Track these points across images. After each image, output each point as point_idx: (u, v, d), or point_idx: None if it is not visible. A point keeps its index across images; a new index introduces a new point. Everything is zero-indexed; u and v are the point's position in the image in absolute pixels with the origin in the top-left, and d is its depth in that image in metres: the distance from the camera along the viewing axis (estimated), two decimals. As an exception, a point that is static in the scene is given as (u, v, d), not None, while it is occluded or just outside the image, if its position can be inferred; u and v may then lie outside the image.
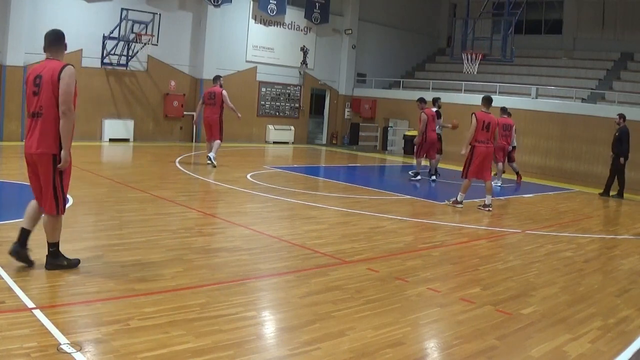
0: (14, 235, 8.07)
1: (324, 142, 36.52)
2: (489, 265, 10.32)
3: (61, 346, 5.59)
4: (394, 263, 9.88)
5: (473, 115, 15.70)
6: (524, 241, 12.64)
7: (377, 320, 7.04)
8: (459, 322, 7.25)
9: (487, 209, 15.49)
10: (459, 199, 15.61)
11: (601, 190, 21.33)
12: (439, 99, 22.35)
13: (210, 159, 20.65)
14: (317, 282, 8.44)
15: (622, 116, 20.83)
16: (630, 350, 3.20)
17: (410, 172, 22.09)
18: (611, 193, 20.98)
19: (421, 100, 21.31)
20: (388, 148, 35.26)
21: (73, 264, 8.09)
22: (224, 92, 20.83)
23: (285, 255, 9.98)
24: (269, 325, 6.95)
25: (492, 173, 19.66)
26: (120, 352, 5.62)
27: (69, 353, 5.48)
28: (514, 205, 15.73)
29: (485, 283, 9.15)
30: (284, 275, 8.84)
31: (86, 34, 25.16)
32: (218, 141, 20.96)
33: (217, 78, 21.49)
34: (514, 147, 22.78)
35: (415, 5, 39.88)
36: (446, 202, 15.95)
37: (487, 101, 15.91)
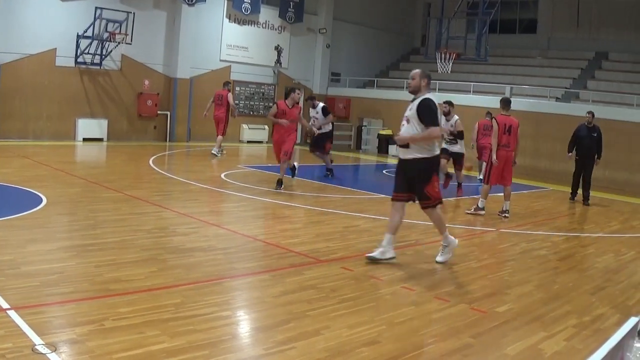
0: None
1: (298, 141, 36.39)
2: (464, 263, 10.36)
3: (36, 347, 5.57)
4: (368, 262, 9.90)
5: (494, 119, 16.05)
6: (498, 240, 12.71)
7: (352, 319, 7.06)
8: (434, 321, 7.29)
9: (504, 214, 15.41)
10: (480, 205, 15.45)
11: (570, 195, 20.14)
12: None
13: (218, 152, 24.64)
14: (292, 282, 8.45)
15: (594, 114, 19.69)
16: (605, 348, 3.21)
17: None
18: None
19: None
20: (362, 147, 35.30)
21: None
22: (230, 94, 24.78)
23: (260, 254, 9.99)
24: (244, 325, 6.96)
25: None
26: (95, 352, 5.60)
27: (44, 354, 5.46)
28: (487, 203, 15.76)
29: (460, 281, 9.19)
30: (259, 274, 8.84)
31: (60, 33, 25.02)
32: (220, 137, 24.78)
33: (226, 83, 25.37)
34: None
35: (389, 5, 39.85)
36: (466, 211, 15.68)
37: (506, 103, 16.18)
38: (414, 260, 10.35)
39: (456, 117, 18.91)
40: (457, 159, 18.86)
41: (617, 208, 19.04)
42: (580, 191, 19.62)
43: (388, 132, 33.13)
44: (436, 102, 9.92)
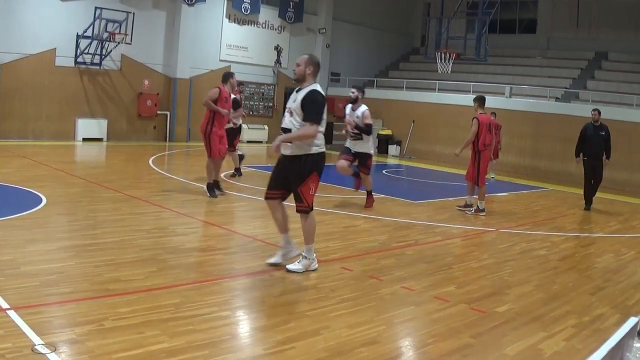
0: None
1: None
2: (463, 263, 10.36)
3: (36, 347, 5.56)
4: (368, 262, 9.91)
5: (475, 119, 15.66)
6: (498, 240, 12.69)
7: (351, 319, 7.05)
8: (434, 321, 7.27)
9: (482, 213, 15.43)
10: (480, 207, 15.48)
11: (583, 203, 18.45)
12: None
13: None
14: (292, 282, 8.45)
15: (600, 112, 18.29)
16: (605, 348, 3.21)
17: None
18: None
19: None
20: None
21: None
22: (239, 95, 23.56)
23: (260, 254, 9.96)
24: (244, 325, 6.96)
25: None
26: (94, 352, 5.60)
27: (44, 354, 5.46)
28: (488, 203, 15.76)
29: (460, 281, 9.18)
30: (259, 274, 8.83)
31: (60, 33, 25.03)
32: None
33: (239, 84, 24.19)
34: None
35: (389, 5, 39.86)
36: (469, 213, 15.56)
37: (482, 101, 16.04)
38: (413, 261, 10.33)
39: (364, 107, 16.15)
40: (362, 160, 15.64)
41: (617, 208, 19.02)
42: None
43: (388, 132, 33.16)
44: (323, 94, 8.92)
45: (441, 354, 6.31)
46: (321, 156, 8.88)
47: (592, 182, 18.25)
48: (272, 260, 9.23)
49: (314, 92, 8.65)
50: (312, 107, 8.60)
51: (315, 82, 8.93)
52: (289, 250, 9.29)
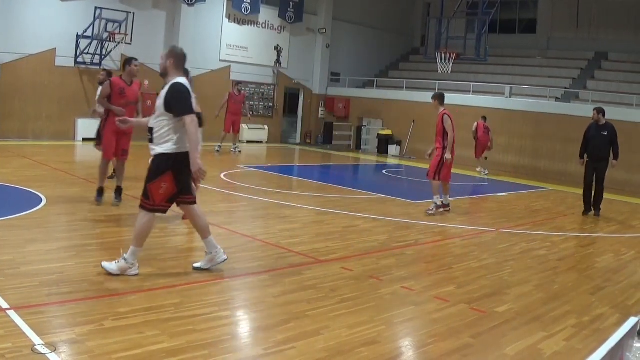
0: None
1: (298, 141, 36.49)
2: (463, 263, 10.35)
3: (36, 347, 5.57)
4: (368, 262, 9.90)
5: (448, 117, 15.31)
6: (498, 240, 12.68)
7: (351, 319, 7.05)
8: (434, 321, 7.27)
9: (447, 209, 15.35)
10: (444, 202, 15.32)
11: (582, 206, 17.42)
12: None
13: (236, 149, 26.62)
14: (292, 282, 8.44)
15: (602, 111, 17.28)
16: (605, 348, 3.21)
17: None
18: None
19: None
20: (362, 147, 35.28)
21: None
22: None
23: (260, 254, 9.98)
24: (244, 325, 6.96)
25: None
26: (94, 352, 5.60)
27: (44, 354, 5.46)
28: (487, 203, 15.77)
29: (460, 281, 9.18)
30: (258, 274, 8.83)
31: (60, 33, 25.05)
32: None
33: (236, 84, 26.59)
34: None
35: (389, 5, 39.87)
36: (428, 212, 15.03)
37: (443, 98, 15.92)
38: (413, 260, 10.34)
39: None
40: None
41: (616, 208, 19.01)
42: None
43: (388, 132, 33.16)
44: (187, 86, 8.25)
45: (441, 354, 6.31)
46: (181, 157, 8.25)
47: (592, 185, 17.10)
48: (197, 264, 8.75)
49: (174, 85, 8.11)
50: (177, 99, 8.08)
51: (179, 76, 8.36)
52: (215, 255, 8.65)
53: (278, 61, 34.42)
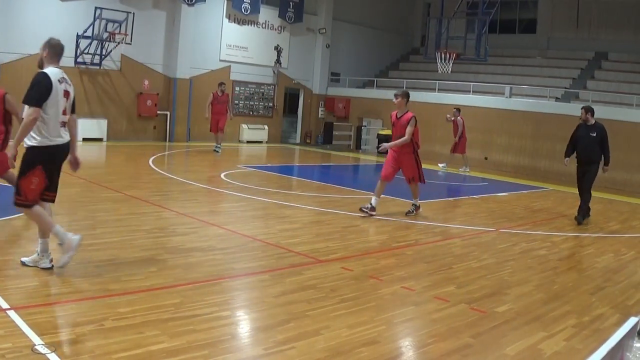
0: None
1: (298, 141, 36.48)
2: (463, 263, 10.35)
3: (36, 347, 5.58)
4: (368, 262, 9.90)
5: (413, 118, 14.12)
6: (498, 240, 12.68)
7: (351, 319, 7.05)
8: (434, 321, 7.27)
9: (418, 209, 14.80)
10: (373, 204, 14.14)
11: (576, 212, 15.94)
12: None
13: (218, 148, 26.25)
14: (292, 282, 8.44)
15: (590, 110, 15.94)
16: (605, 348, 3.21)
17: None
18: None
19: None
20: (362, 147, 35.27)
21: None
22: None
23: (260, 254, 9.98)
24: (244, 325, 6.96)
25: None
26: (95, 352, 5.61)
27: (44, 354, 5.47)
28: (487, 203, 15.76)
29: (460, 281, 9.18)
30: (259, 274, 8.83)
31: (59, 33, 24.41)
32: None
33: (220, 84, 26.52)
34: None
35: (389, 5, 39.85)
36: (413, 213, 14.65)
37: (408, 96, 14.50)
38: (413, 260, 10.34)
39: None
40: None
41: (616, 208, 19.03)
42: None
43: (388, 132, 33.11)
44: (50, 77, 7.80)
45: (441, 354, 6.31)
46: (49, 150, 8.06)
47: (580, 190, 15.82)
48: (24, 259, 8.22)
49: (37, 75, 7.83)
50: (31, 87, 7.78)
51: (52, 66, 8.06)
52: (41, 258, 8.08)
53: (278, 61, 34.42)
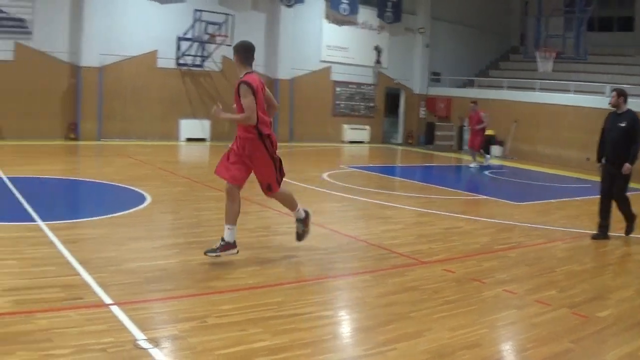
0: (92, 233, 8.16)
1: (400, 141, 36.42)
2: (565, 267, 10.18)
3: (138, 342, 5.71)
4: (470, 264, 9.83)
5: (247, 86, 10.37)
6: (599, 243, 12.41)
7: (453, 322, 7.01)
8: (535, 325, 7.18)
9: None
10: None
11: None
12: None
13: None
14: (394, 283, 8.44)
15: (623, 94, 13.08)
16: None
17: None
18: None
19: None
20: (464, 147, 35.02)
21: None
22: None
23: (361, 255, 10.00)
24: (345, 325, 6.99)
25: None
26: (196, 348, 5.71)
27: (146, 349, 5.59)
28: (588, 205, 15.46)
29: (561, 285, 9.04)
30: (360, 274, 8.86)
31: (160, 35, 25.59)
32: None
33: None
34: None
35: (486, 3, 39.43)
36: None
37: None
38: (516, 263, 10.22)
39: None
40: None
41: None
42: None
43: (490, 132, 32.83)
44: None
45: (541, 359, 6.24)
46: None
47: (609, 195, 12.76)
48: None
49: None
50: None
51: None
52: None
53: (378, 61, 34.43)
